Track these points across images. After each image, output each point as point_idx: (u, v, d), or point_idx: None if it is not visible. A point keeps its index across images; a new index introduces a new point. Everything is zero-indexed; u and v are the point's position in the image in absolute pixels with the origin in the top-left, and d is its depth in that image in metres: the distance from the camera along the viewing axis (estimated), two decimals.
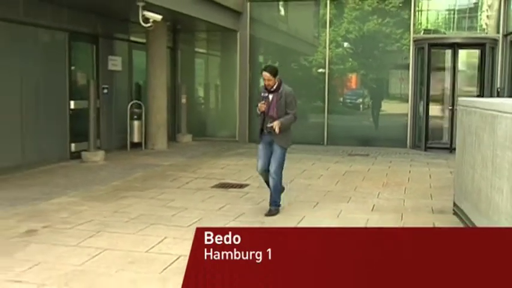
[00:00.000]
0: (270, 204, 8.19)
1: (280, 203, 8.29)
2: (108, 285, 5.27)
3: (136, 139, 15.40)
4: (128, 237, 6.85)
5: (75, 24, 13.34)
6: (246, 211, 8.28)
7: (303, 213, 8.13)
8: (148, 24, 12.42)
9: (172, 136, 17.13)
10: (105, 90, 14.52)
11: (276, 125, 7.83)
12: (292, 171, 11.90)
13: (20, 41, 11.62)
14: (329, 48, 17.09)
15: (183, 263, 5.77)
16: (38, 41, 12.47)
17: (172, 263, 5.88)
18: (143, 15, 12.21)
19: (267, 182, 8.29)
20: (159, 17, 12.42)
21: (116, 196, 9.29)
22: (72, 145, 13.27)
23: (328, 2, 16.94)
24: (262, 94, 8.12)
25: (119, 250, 6.31)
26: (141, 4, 11.96)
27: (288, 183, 10.48)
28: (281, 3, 18.24)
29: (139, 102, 15.54)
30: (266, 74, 7.96)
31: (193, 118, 17.91)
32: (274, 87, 7.98)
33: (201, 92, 19.47)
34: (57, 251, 6.26)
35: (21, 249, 6.30)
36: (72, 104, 13.20)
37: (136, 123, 15.39)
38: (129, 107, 15.25)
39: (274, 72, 7.97)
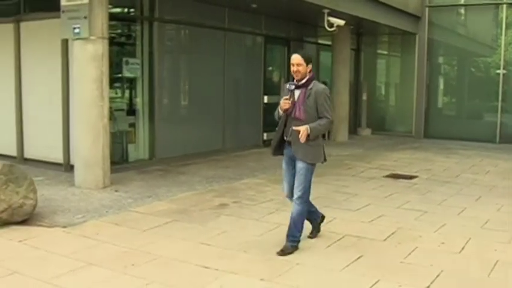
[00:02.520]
0: (287, 238, 5.78)
1: (303, 237, 5.95)
2: (280, 256, 5.56)
3: None
4: None
5: (270, 30, 13.97)
6: (411, 199, 8.23)
7: (464, 205, 7.93)
8: (333, 29, 12.65)
9: (353, 129, 17.27)
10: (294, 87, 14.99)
11: (303, 129, 5.46)
12: (460, 166, 11.66)
13: (225, 45, 12.46)
14: (506, 50, 16.28)
15: (347, 241, 6.08)
16: (239, 44, 13.28)
17: (337, 240, 6.11)
18: (328, 21, 12.47)
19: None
20: (342, 22, 12.60)
21: None
22: (265, 134, 13.94)
23: (504, 6, 16.17)
24: (288, 87, 5.71)
25: None
26: (326, 11, 12.23)
27: (454, 177, 10.33)
28: (459, 7, 17.71)
29: None
30: (297, 57, 5.61)
31: (372, 113, 17.98)
32: (304, 80, 5.63)
33: (380, 90, 19.36)
34: (242, 223, 6.77)
35: (213, 219, 6.90)
36: (265, 99, 13.87)
37: None
38: None
39: (306, 58, 5.65)
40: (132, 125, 10.50)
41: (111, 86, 9.09)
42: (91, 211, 7.19)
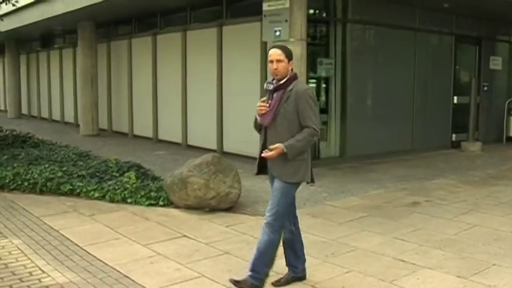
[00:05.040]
0: (249, 270, 4.60)
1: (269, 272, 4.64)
2: (476, 256, 5.54)
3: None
4: (496, 218, 7.00)
5: (460, 29, 13.62)
6: None
7: None
8: None
9: None
10: (485, 88, 14.49)
11: (275, 150, 4.40)
12: None
13: (415, 44, 12.42)
14: None
15: None
16: (429, 44, 13.11)
17: None
18: None
19: (285, 241, 4.78)
20: None
21: (488, 183, 9.40)
22: (453, 135, 13.66)
23: None
24: (265, 86, 4.62)
25: (486, 227, 6.54)
26: None
27: None
28: None
29: None
30: (276, 52, 4.51)
31: None
32: (283, 80, 4.51)
33: None
34: (435, 222, 6.78)
35: (406, 216, 7.01)
36: (455, 99, 13.57)
37: None
38: (506, 103, 14.98)
39: (288, 53, 4.53)
40: (325, 123, 10.84)
41: None
42: None
